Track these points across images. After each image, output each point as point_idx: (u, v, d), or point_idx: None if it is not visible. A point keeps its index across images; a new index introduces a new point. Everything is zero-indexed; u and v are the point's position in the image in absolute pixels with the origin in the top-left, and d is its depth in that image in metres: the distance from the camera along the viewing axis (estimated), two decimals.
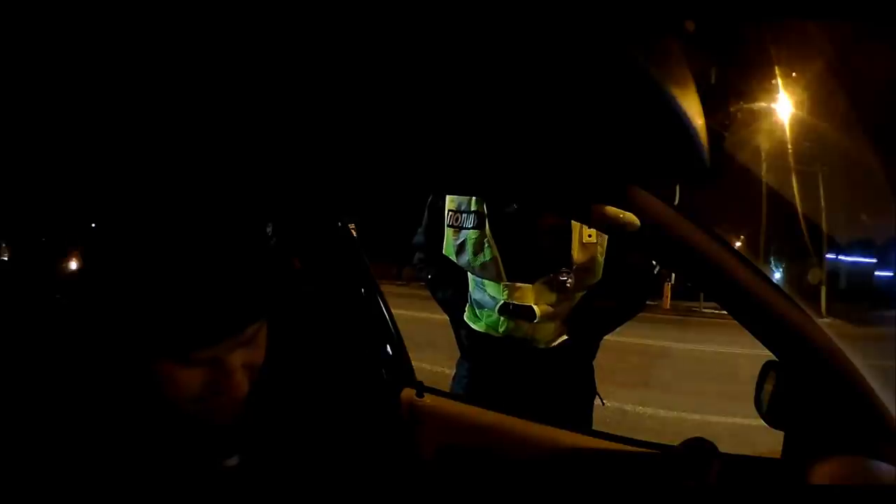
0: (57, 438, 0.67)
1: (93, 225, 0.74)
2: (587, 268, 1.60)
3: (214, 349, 0.66)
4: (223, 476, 0.74)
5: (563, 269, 1.58)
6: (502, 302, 1.63)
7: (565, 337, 1.64)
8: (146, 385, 0.67)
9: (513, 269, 1.62)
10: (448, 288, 1.79)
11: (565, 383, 1.68)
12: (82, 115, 0.67)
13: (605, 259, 1.61)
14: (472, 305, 1.74)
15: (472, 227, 1.64)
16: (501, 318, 1.64)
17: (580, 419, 1.66)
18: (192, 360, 0.66)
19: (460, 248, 1.68)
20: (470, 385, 1.73)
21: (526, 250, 1.60)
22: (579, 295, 1.65)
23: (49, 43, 0.48)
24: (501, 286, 1.63)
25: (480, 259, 1.64)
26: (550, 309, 1.61)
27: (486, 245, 1.63)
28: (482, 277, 1.67)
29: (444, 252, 1.74)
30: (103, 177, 0.86)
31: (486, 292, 1.68)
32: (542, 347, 1.63)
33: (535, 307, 1.60)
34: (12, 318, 0.87)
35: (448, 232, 1.71)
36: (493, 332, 1.67)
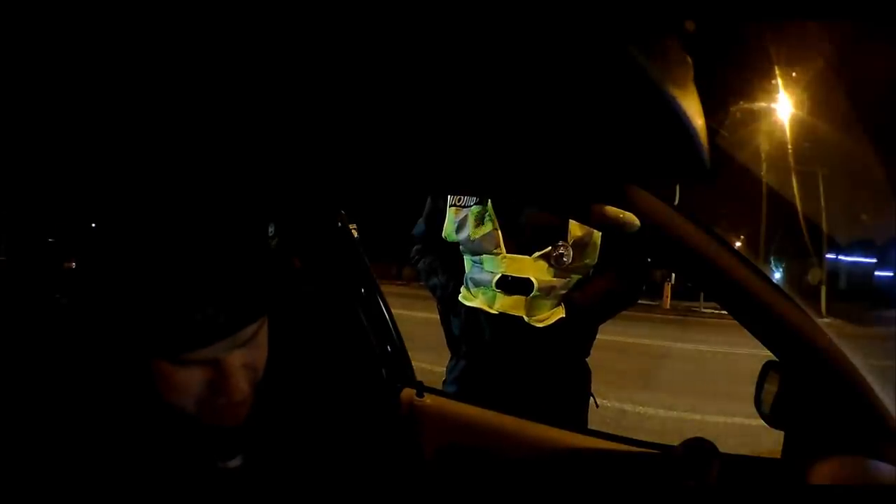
0: (57, 438, 0.67)
1: (93, 225, 0.74)
2: (584, 243, 1.62)
3: (210, 350, 0.65)
4: (225, 477, 0.74)
5: (561, 242, 1.61)
6: (500, 275, 1.65)
7: (560, 315, 1.64)
8: (145, 385, 0.66)
9: (511, 241, 1.65)
10: (443, 273, 1.82)
11: (560, 366, 1.68)
12: (82, 115, 0.67)
13: (601, 248, 1.64)
14: (467, 287, 1.76)
15: (475, 203, 1.69)
16: (497, 294, 1.65)
17: (574, 418, 1.66)
18: (189, 361, 0.65)
19: (461, 224, 1.71)
20: (464, 376, 1.73)
21: (525, 223, 1.64)
22: (576, 277, 1.66)
23: (49, 43, 0.48)
24: (499, 259, 1.65)
25: (481, 231, 1.67)
26: (547, 283, 1.62)
27: (487, 218, 1.67)
28: (480, 251, 1.69)
29: (443, 234, 1.77)
30: (103, 177, 0.86)
31: (483, 268, 1.69)
32: (537, 326, 1.64)
33: (532, 279, 1.62)
34: (12, 318, 0.87)
35: (450, 211, 1.74)
36: (487, 309, 1.67)
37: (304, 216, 1.39)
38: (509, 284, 1.64)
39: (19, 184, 0.92)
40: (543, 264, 1.62)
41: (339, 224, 1.42)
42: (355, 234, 1.48)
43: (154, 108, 0.64)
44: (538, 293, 1.62)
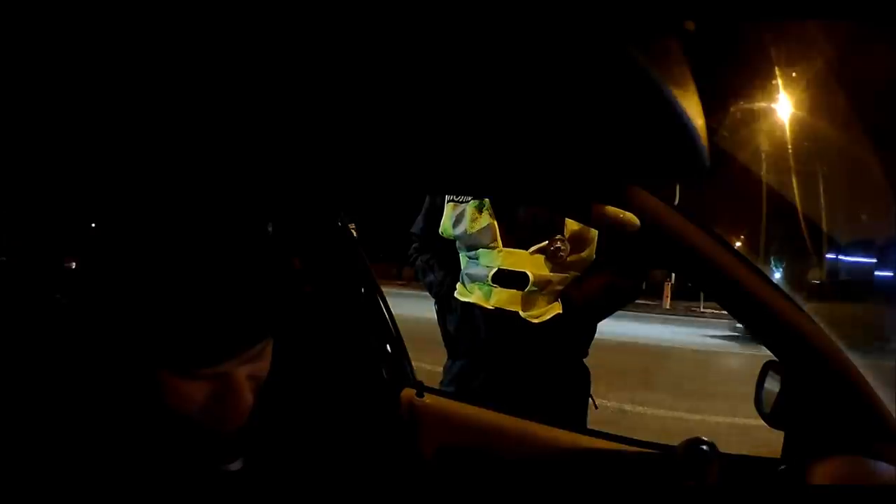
0: (57, 439, 0.67)
1: (93, 225, 0.74)
2: (581, 237, 1.62)
3: (220, 366, 0.66)
4: (226, 479, 0.74)
5: (558, 236, 1.60)
6: (496, 269, 1.64)
7: (557, 311, 1.64)
8: (148, 392, 0.66)
9: (508, 235, 1.65)
10: (440, 270, 1.82)
11: (557, 364, 1.68)
12: (84, 116, 0.67)
13: (599, 244, 1.64)
14: (463, 283, 1.75)
15: (473, 198, 1.69)
16: (493, 289, 1.64)
17: (573, 420, 1.65)
18: (197, 375, 0.66)
19: (458, 219, 1.71)
20: (461, 376, 1.72)
21: (522, 217, 1.64)
22: (573, 274, 1.66)
23: (50, 43, 0.48)
24: (495, 253, 1.65)
25: (478, 225, 1.67)
26: (543, 278, 1.62)
27: (485, 211, 1.67)
28: (477, 245, 1.68)
29: (440, 230, 1.76)
30: (105, 180, 0.86)
31: (479, 263, 1.69)
32: (533, 322, 1.63)
33: (528, 273, 1.61)
34: (12, 318, 0.87)
35: (448, 207, 1.74)
36: (483, 304, 1.67)
37: (304, 216, 1.39)
38: (505, 278, 1.63)
39: (21, 184, 0.92)
40: (540, 259, 1.62)
41: (339, 224, 1.42)
42: (354, 233, 1.48)
43: (157, 113, 0.64)
44: (534, 288, 1.62)
